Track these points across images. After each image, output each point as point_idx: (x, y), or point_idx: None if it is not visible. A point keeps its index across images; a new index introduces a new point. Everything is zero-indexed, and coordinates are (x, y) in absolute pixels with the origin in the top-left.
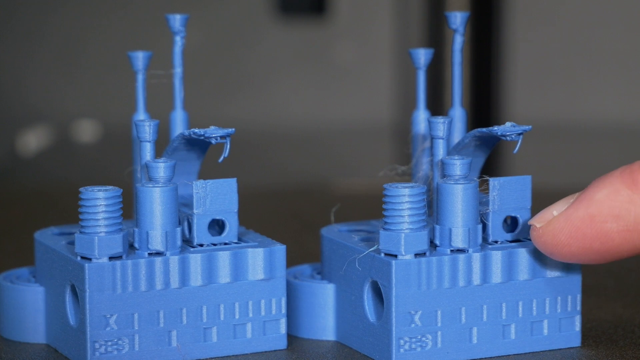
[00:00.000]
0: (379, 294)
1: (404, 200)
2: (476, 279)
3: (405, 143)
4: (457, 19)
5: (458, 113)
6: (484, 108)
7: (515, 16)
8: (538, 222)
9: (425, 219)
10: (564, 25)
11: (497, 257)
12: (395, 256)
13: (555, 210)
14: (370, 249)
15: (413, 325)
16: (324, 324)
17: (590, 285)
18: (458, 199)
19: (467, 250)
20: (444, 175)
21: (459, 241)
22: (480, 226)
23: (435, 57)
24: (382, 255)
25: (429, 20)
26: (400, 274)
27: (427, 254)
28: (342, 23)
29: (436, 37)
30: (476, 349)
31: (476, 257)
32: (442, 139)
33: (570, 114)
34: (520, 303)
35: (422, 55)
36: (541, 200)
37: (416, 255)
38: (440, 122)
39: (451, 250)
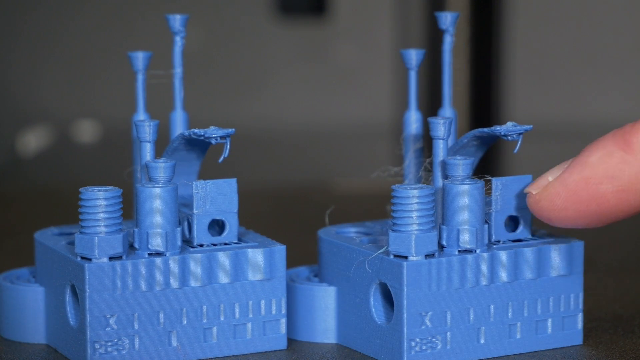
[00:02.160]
0: (384, 296)
1: (413, 201)
2: (484, 279)
3: (397, 144)
4: (447, 19)
5: (448, 114)
6: (484, 108)
7: (515, 16)
8: (534, 189)
9: (434, 219)
10: (564, 25)
11: (503, 256)
12: (406, 258)
13: (550, 176)
14: (379, 251)
15: (424, 326)
16: (324, 327)
17: (590, 285)
18: (465, 199)
19: (475, 251)
20: (445, 176)
21: (466, 242)
22: (487, 226)
23: (435, 58)
24: (392, 257)
25: (429, 20)
26: (412, 276)
27: (437, 255)
28: (342, 23)
29: (436, 38)
30: (484, 349)
31: (484, 257)
32: (442, 139)
33: (570, 114)
34: (525, 302)
35: (414, 56)
36: None
37: (426, 256)
38: (440, 123)
39: (459, 251)
